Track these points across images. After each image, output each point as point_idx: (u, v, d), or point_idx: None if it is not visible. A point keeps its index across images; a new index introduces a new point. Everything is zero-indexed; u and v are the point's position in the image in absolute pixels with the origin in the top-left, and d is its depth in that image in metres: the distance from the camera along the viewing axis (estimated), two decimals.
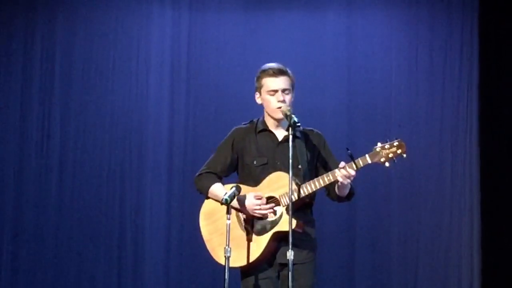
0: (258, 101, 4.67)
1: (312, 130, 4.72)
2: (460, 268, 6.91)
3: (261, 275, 4.53)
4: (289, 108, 4.53)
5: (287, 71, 4.61)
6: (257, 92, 4.66)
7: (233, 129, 4.72)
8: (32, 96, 7.10)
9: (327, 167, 4.57)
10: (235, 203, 4.48)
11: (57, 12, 7.18)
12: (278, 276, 4.56)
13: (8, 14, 7.13)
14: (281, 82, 4.58)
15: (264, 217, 4.51)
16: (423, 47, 7.12)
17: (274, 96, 4.57)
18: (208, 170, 4.65)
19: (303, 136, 4.65)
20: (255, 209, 4.49)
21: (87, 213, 7.00)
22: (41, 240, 6.96)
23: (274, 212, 4.52)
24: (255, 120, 4.71)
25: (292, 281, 4.28)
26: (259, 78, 4.63)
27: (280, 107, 4.55)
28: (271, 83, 4.58)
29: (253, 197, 4.50)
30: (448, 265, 6.93)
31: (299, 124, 4.42)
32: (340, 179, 4.40)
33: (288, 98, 4.58)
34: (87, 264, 6.95)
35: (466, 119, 7.02)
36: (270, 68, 4.60)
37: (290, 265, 4.28)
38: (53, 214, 6.99)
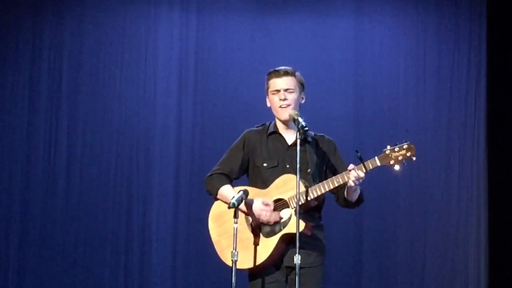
0: (268, 104, 4.71)
1: (323, 136, 4.74)
2: (467, 273, 6.90)
3: (269, 278, 4.54)
4: (296, 112, 4.55)
5: (292, 72, 4.65)
6: (266, 95, 4.70)
7: (244, 131, 4.75)
8: (40, 100, 7.11)
9: (337, 174, 4.55)
10: (242, 206, 4.49)
11: (65, 16, 7.20)
12: (287, 280, 4.56)
13: (16, 19, 7.15)
14: (283, 82, 4.61)
15: (268, 223, 4.51)
16: (431, 51, 7.14)
17: (276, 95, 4.61)
18: (219, 171, 4.67)
19: (314, 142, 4.67)
20: (261, 214, 4.50)
21: (94, 216, 7.01)
22: (48, 243, 6.96)
23: (279, 220, 4.52)
24: (267, 123, 4.74)
25: (299, 286, 4.27)
26: (266, 81, 4.69)
27: (281, 106, 4.58)
28: (274, 83, 4.63)
29: (261, 202, 4.51)
30: (455, 270, 6.93)
31: (307, 128, 4.43)
32: (349, 182, 4.41)
33: (291, 97, 4.60)
34: (93, 268, 6.95)
35: (474, 123, 7.03)
36: (275, 70, 4.67)
37: (297, 269, 4.28)
38: (60, 217, 7.00)
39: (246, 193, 4.47)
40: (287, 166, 4.58)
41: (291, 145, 4.62)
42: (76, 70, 7.17)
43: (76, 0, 7.24)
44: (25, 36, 7.15)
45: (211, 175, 4.68)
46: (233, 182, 4.67)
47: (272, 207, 4.51)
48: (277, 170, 4.57)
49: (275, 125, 4.70)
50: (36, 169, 7.04)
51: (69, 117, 7.11)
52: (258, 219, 4.52)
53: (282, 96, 4.59)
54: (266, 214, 4.49)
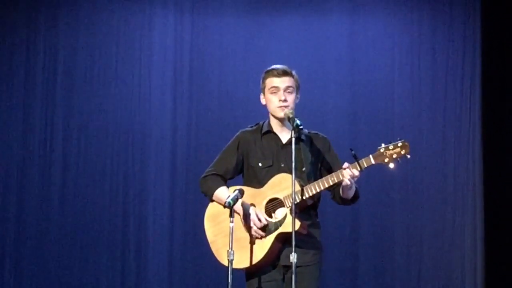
0: (263, 101, 4.69)
1: (317, 133, 4.74)
2: (463, 271, 6.90)
3: (266, 277, 4.54)
4: (291, 111, 4.55)
5: (291, 72, 4.64)
6: (261, 93, 4.69)
7: (238, 131, 4.74)
8: (35, 100, 7.11)
9: (332, 171, 4.55)
10: (239, 208, 4.50)
11: (59, 17, 7.20)
12: (284, 279, 4.56)
13: (10, 20, 7.14)
14: (283, 82, 4.60)
15: (249, 233, 4.51)
16: (426, 49, 7.15)
17: (276, 95, 4.60)
18: (213, 172, 4.67)
19: (308, 140, 4.67)
20: (251, 226, 4.51)
21: (90, 216, 7.01)
22: (44, 243, 6.96)
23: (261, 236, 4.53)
24: (261, 122, 4.74)
25: (296, 285, 4.28)
26: (263, 79, 4.68)
27: (281, 106, 4.57)
28: (273, 82, 4.62)
29: (255, 215, 4.50)
30: (451, 268, 6.94)
31: (301, 127, 4.43)
32: (344, 180, 4.41)
33: (290, 97, 4.59)
34: (90, 267, 6.95)
35: (469, 121, 7.03)
36: (274, 69, 4.65)
37: (293, 268, 4.28)
38: (55, 216, 7.00)
39: (241, 192, 4.46)
40: (282, 165, 4.58)
41: (285, 144, 4.62)
42: (71, 70, 7.16)
43: (71, 1, 7.23)
44: (19, 34, 7.15)
45: (206, 176, 4.68)
46: (227, 182, 4.67)
47: (261, 224, 4.49)
48: (272, 170, 4.57)
49: (269, 124, 4.69)
50: (32, 169, 7.03)
51: (64, 117, 7.11)
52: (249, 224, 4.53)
53: (282, 97, 4.58)
54: (254, 224, 4.50)
